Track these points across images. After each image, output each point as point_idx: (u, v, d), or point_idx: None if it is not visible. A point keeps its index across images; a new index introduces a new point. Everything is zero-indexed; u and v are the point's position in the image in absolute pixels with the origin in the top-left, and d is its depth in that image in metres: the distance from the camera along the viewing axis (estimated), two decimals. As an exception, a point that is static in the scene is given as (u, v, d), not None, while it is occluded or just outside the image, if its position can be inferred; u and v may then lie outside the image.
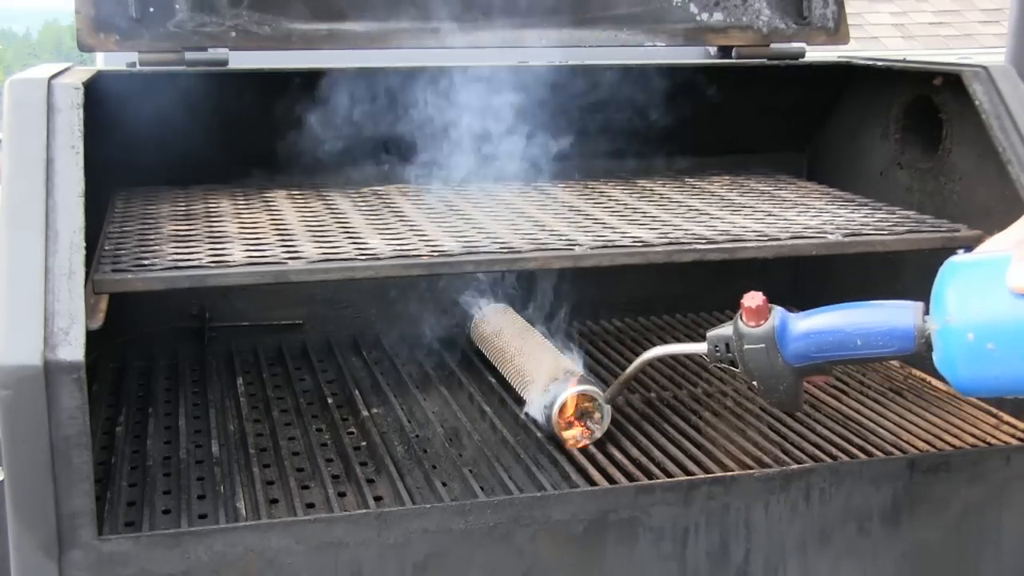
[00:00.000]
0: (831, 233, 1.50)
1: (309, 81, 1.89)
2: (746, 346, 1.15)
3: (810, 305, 1.16)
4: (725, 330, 1.18)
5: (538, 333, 1.74)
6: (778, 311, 1.14)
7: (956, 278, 0.97)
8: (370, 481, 1.42)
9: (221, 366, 1.85)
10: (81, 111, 1.31)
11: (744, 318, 1.15)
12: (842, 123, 2.00)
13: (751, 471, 1.35)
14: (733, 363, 1.18)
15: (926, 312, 1.03)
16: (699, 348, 1.22)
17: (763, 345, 1.14)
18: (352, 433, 1.58)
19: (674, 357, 1.83)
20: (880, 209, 1.69)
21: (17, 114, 1.29)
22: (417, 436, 1.57)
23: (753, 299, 1.14)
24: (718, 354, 1.19)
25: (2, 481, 1.09)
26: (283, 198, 1.72)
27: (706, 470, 1.40)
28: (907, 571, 1.38)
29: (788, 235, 1.48)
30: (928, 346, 1.03)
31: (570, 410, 1.47)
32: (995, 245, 0.99)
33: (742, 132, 2.04)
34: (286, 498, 1.38)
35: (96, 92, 1.48)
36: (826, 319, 1.12)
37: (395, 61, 1.86)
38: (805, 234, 1.49)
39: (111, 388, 1.77)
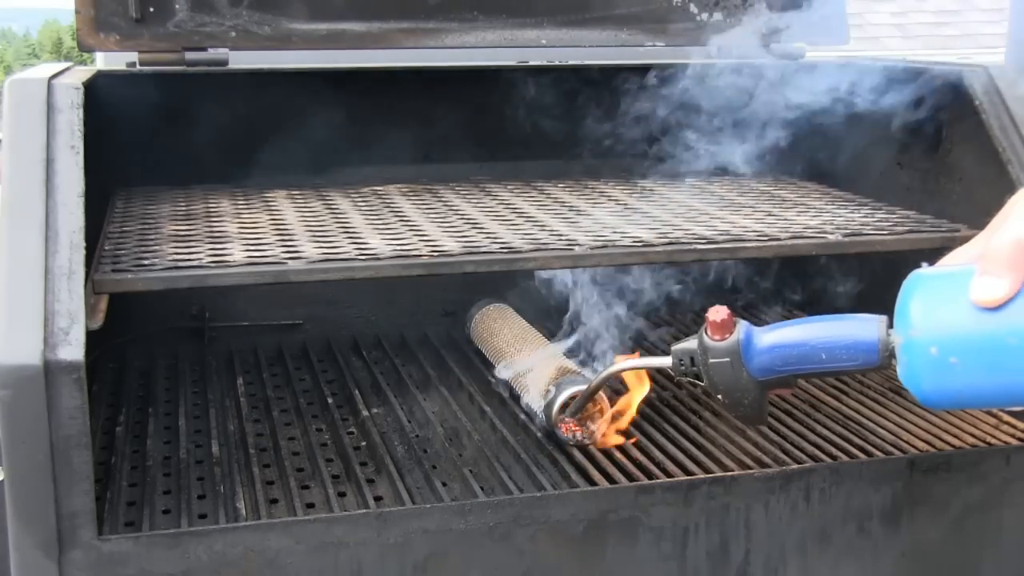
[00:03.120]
0: (831, 233, 1.50)
1: (309, 81, 1.90)
2: (711, 360, 1.14)
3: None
4: (690, 344, 1.18)
5: (538, 333, 1.74)
6: (743, 325, 1.14)
7: (920, 291, 0.96)
8: (370, 481, 1.42)
9: (221, 366, 1.85)
10: (81, 111, 1.31)
11: (709, 332, 1.14)
12: (842, 123, 1.99)
13: (751, 471, 1.35)
14: (698, 377, 1.17)
15: (890, 325, 1.03)
16: (664, 362, 1.22)
17: (728, 359, 1.13)
18: (352, 433, 1.58)
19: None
20: (880, 209, 1.69)
21: (17, 114, 1.28)
22: (417, 436, 1.57)
23: (718, 313, 1.13)
24: (683, 368, 1.19)
25: (2, 481, 1.09)
26: (283, 198, 1.72)
27: (706, 470, 1.40)
28: (907, 571, 1.38)
29: (788, 235, 1.48)
30: (892, 359, 1.02)
31: (570, 410, 1.47)
32: (959, 258, 0.98)
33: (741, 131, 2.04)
34: (286, 498, 1.38)
35: (96, 92, 1.48)
36: (791, 333, 1.12)
37: (393, 61, 1.87)
38: (805, 234, 1.49)
39: (111, 388, 1.77)
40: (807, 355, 1.09)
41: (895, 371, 1.00)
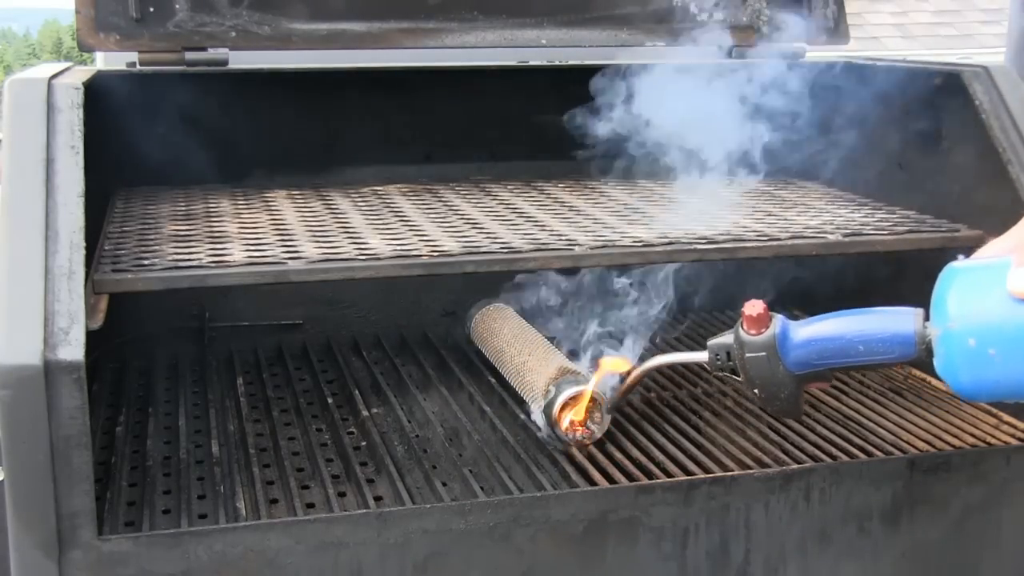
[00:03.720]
0: (831, 233, 1.50)
1: (309, 81, 1.90)
2: (747, 354, 1.14)
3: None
4: (726, 339, 1.18)
5: (538, 333, 1.74)
6: (779, 319, 1.14)
7: (957, 283, 0.97)
8: (370, 481, 1.42)
9: (221, 366, 1.85)
10: (81, 111, 1.31)
11: (745, 326, 1.14)
12: (842, 123, 1.99)
13: (751, 471, 1.35)
14: (734, 372, 1.17)
15: (927, 318, 1.03)
16: (700, 357, 1.22)
17: (764, 353, 1.13)
18: (352, 433, 1.58)
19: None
20: (880, 209, 1.69)
21: (17, 114, 1.28)
22: (417, 436, 1.57)
23: (754, 307, 1.14)
24: (719, 363, 1.19)
25: (2, 481, 1.09)
26: (283, 198, 1.72)
27: (706, 470, 1.40)
28: (907, 571, 1.38)
29: (788, 235, 1.48)
30: (929, 352, 1.02)
31: (570, 410, 1.47)
32: (994, 249, 0.99)
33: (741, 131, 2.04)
34: (286, 498, 1.38)
35: (96, 92, 1.48)
36: (827, 326, 1.12)
37: (393, 61, 1.86)
38: (805, 234, 1.49)
39: (111, 388, 1.77)
40: (844, 348, 1.09)
41: (931, 364, 1.00)
